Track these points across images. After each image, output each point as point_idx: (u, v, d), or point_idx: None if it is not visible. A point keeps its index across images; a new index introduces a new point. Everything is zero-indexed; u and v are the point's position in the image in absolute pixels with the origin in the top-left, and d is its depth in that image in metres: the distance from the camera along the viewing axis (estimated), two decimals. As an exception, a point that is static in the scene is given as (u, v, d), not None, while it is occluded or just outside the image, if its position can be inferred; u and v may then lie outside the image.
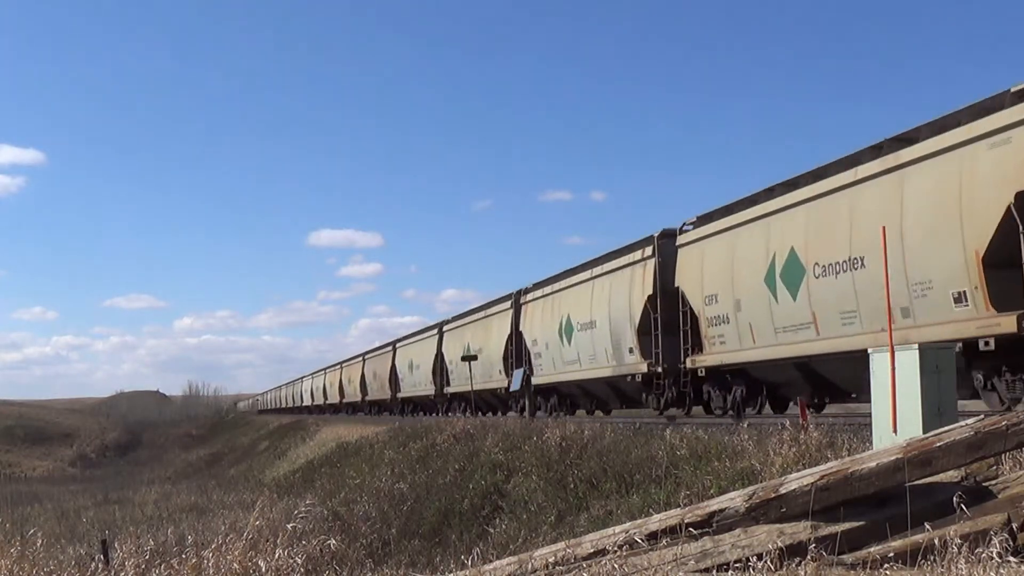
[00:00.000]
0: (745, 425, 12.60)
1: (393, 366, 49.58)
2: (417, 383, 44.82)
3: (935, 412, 8.64)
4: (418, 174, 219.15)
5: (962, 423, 6.81)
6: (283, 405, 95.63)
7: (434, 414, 40.07)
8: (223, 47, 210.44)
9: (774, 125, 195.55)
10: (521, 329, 30.63)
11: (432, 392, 41.61)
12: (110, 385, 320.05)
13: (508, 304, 32.44)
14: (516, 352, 30.92)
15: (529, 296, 30.55)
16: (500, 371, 31.94)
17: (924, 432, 7.59)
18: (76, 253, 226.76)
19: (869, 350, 9.80)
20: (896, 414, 8.95)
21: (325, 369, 75.83)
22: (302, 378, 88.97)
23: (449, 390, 39.23)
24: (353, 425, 40.50)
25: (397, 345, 50.20)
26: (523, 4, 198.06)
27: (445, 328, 41.14)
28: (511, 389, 29.41)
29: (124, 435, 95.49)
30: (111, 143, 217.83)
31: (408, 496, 18.24)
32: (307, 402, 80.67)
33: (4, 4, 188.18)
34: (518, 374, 28.27)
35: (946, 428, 6.82)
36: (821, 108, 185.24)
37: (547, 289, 28.93)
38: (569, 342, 26.28)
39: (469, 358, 31.28)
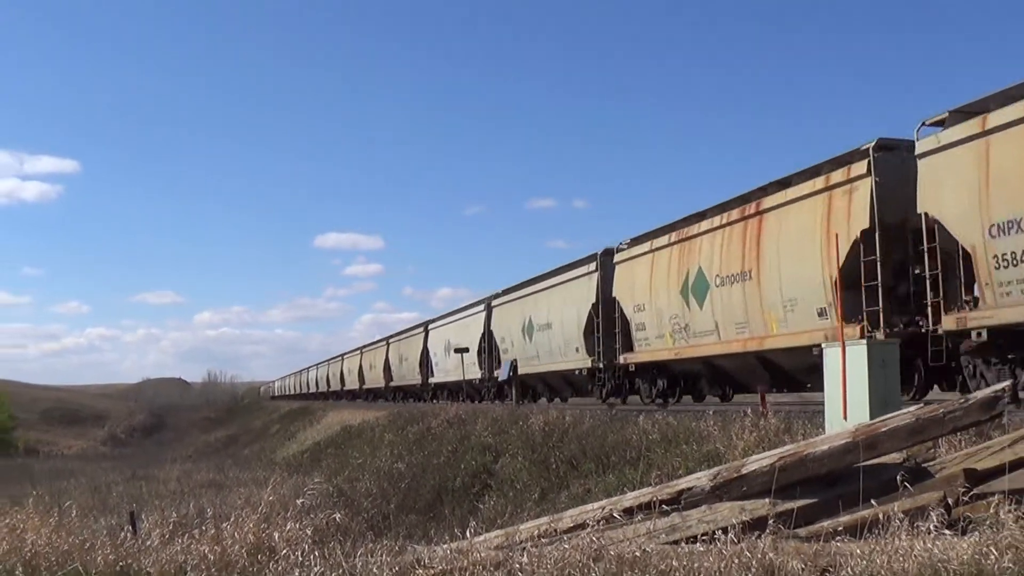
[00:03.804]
0: (711, 412, 12.64)
1: (387, 358, 50.54)
2: (406, 374, 46.09)
3: (881, 401, 8.70)
4: (416, 181, 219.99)
5: (904, 411, 6.84)
6: (293, 392, 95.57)
7: (420, 401, 41.48)
8: (245, 66, 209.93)
9: (753, 136, 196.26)
10: (491, 328, 32.38)
11: (419, 382, 42.89)
12: (137, 372, 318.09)
13: (482, 307, 34.24)
14: (488, 348, 32.63)
15: (499, 300, 32.26)
16: (475, 364, 33.21)
17: (871, 418, 7.62)
18: (107, 253, 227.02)
19: (823, 345, 9.93)
20: (846, 402, 9.00)
21: (328, 360, 76.22)
22: (308, 368, 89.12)
23: (433, 380, 40.56)
24: (356, 410, 40.42)
25: (390, 340, 51.31)
26: (514, 23, 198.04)
27: (430, 326, 42.34)
28: (500, 379, 30.11)
29: (150, 418, 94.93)
30: (139, 153, 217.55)
31: (406, 475, 18.18)
32: (313, 389, 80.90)
33: (40, 24, 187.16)
34: (506, 365, 28.75)
35: (890, 415, 6.85)
36: (806, 119, 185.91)
37: (514, 295, 30.62)
38: (530, 340, 27.97)
39: (462, 350, 32.18)
